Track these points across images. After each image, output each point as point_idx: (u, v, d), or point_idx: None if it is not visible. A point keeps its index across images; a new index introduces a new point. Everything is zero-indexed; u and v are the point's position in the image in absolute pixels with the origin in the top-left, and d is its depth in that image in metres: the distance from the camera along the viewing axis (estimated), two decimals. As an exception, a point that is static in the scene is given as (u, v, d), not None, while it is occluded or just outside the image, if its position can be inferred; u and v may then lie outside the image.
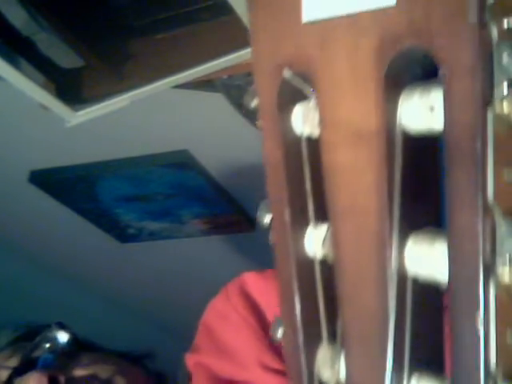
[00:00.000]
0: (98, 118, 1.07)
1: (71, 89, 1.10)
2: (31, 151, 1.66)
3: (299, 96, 0.25)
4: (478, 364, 0.19)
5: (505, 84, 0.19)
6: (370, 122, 0.22)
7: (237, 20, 0.85)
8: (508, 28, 0.18)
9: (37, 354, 0.78)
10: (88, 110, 1.06)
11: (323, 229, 0.25)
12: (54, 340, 0.82)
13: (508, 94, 0.19)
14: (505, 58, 0.18)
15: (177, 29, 1.04)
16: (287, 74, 0.24)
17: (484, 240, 0.19)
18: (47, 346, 0.81)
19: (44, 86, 1.02)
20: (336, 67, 0.23)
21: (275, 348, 0.61)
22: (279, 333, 0.27)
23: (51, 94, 1.02)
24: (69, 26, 1.01)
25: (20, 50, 0.99)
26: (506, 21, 0.18)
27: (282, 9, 0.24)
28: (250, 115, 1.21)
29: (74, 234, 2.03)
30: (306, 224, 0.26)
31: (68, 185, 1.77)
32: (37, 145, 1.63)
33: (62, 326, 0.85)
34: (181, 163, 1.62)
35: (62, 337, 0.83)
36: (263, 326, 0.64)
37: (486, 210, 0.19)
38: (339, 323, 0.24)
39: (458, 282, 0.20)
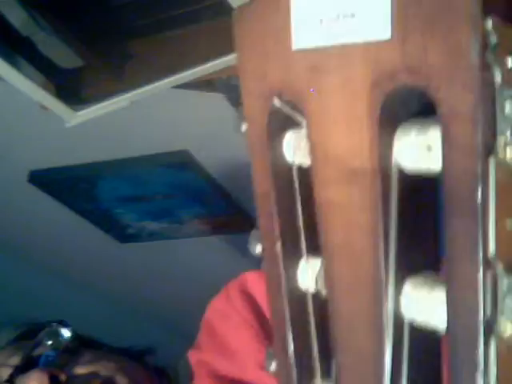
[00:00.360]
0: (97, 118, 1.07)
1: (71, 89, 1.10)
2: (31, 151, 1.66)
3: (290, 123, 0.24)
4: None
5: (508, 132, 0.17)
6: (364, 160, 0.20)
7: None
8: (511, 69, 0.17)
9: (38, 352, 0.78)
10: (88, 110, 1.06)
11: (317, 263, 0.24)
12: (55, 337, 0.82)
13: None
14: (508, 106, 0.17)
15: (177, 29, 1.04)
16: (277, 102, 0.23)
17: (485, 293, 0.18)
18: (49, 343, 0.80)
19: (44, 86, 1.02)
20: (327, 100, 0.21)
21: None
22: (272, 366, 0.26)
23: (51, 94, 1.02)
24: (68, 26, 1.01)
25: (20, 50, 0.99)
26: (510, 60, 0.17)
27: (271, 33, 0.22)
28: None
29: (73, 234, 2.03)
30: (299, 256, 0.24)
31: (68, 185, 1.77)
32: (36, 145, 1.63)
33: (64, 324, 0.85)
34: (181, 163, 1.62)
35: (64, 334, 0.83)
36: (264, 326, 0.64)
37: (487, 262, 0.18)
38: (333, 361, 0.23)
39: (457, 336, 0.19)
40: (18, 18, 0.94)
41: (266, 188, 0.24)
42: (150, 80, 1.02)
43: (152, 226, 1.96)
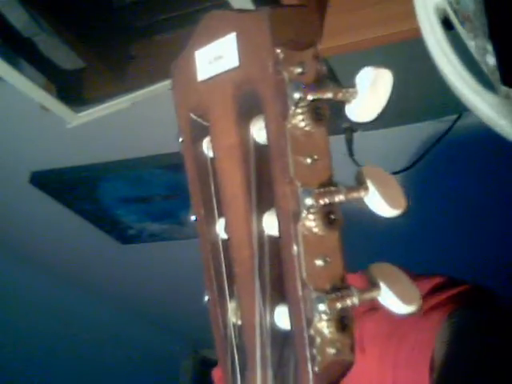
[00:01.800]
0: (98, 119, 1.07)
1: (72, 90, 1.10)
2: (32, 152, 1.66)
3: (206, 130, 0.36)
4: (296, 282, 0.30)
5: (293, 107, 0.29)
6: (234, 139, 0.33)
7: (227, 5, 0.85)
8: (297, 73, 0.30)
9: None
10: (89, 111, 1.06)
11: (222, 220, 0.36)
12: None
13: (303, 110, 0.30)
14: (294, 94, 0.29)
15: (178, 30, 1.04)
16: (193, 116, 0.37)
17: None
18: None
19: (45, 88, 1.02)
20: (216, 108, 0.35)
21: None
22: (206, 297, 0.38)
23: (52, 96, 1.02)
24: (70, 28, 1.01)
25: (21, 51, 0.99)
26: (294, 68, 0.30)
27: (186, 75, 0.37)
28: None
29: (74, 235, 2.03)
30: (215, 219, 0.36)
31: (69, 186, 1.77)
32: (38, 146, 1.63)
33: None
34: (181, 164, 1.62)
35: None
36: None
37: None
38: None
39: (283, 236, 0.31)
40: (19, 19, 0.94)
41: (193, 173, 0.38)
42: (151, 81, 1.02)
43: (153, 227, 1.96)
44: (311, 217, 0.29)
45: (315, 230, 0.29)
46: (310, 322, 0.29)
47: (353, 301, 0.29)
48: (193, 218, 0.38)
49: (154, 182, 1.71)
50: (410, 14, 0.69)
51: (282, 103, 0.29)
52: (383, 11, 0.84)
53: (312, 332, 0.29)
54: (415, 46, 0.71)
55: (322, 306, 0.29)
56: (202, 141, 0.37)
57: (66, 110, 1.04)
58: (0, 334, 2.02)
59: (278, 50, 0.29)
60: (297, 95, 0.29)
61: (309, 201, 0.29)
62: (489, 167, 1.41)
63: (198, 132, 0.36)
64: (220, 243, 0.36)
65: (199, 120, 0.36)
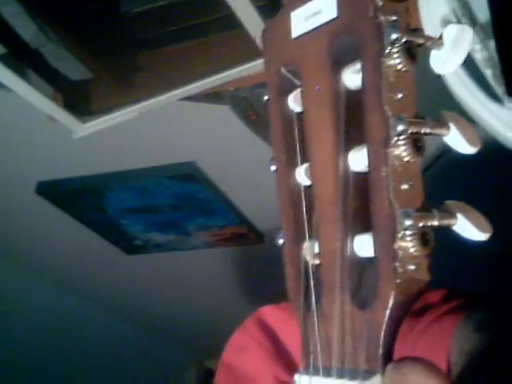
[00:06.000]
0: (105, 129, 1.08)
1: (79, 100, 1.11)
2: (39, 162, 1.66)
3: (293, 86, 0.39)
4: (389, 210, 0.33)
5: (392, 36, 0.33)
6: (327, 86, 0.36)
7: (244, 33, 0.86)
8: (392, 20, 0.33)
9: None
10: (96, 121, 1.06)
11: (305, 166, 0.39)
12: None
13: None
14: (388, 30, 0.33)
15: (185, 42, 1.04)
16: (283, 70, 0.39)
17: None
18: None
19: (52, 98, 1.03)
20: (310, 59, 0.38)
21: (290, 367, 0.63)
22: (280, 240, 0.40)
23: (59, 106, 1.03)
24: (77, 39, 1.02)
25: (29, 62, 1.00)
26: (389, 16, 0.33)
27: (281, 33, 0.40)
28: (257, 127, 1.21)
29: (80, 245, 2.03)
30: (296, 164, 0.39)
31: (75, 196, 1.78)
32: (44, 156, 1.63)
33: None
34: (187, 175, 1.62)
35: None
36: (279, 349, 0.65)
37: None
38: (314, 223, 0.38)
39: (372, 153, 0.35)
40: (27, 30, 0.95)
41: (278, 127, 0.40)
42: (157, 92, 1.03)
43: (159, 237, 1.96)
44: (401, 142, 0.33)
45: (403, 154, 0.33)
46: (394, 238, 0.32)
47: (434, 222, 0.33)
48: (273, 167, 0.41)
49: (160, 192, 1.71)
50: (415, 25, 0.69)
51: (379, 42, 0.33)
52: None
53: (396, 246, 0.32)
54: (421, 57, 0.71)
55: (407, 221, 0.32)
56: (287, 96, 0.40)
57: (73, 120, 1.04)
58: (7, 342, 2.01)
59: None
60: (393, 35, 0.33)
61: (400, 127, 0.32)
62: (494, 179, 1.41)
63: (286, 88, 0.40)
64: (300, 188, 0.39)
65: (289, 75, 0.39)
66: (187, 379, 2.72)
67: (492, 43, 0.64)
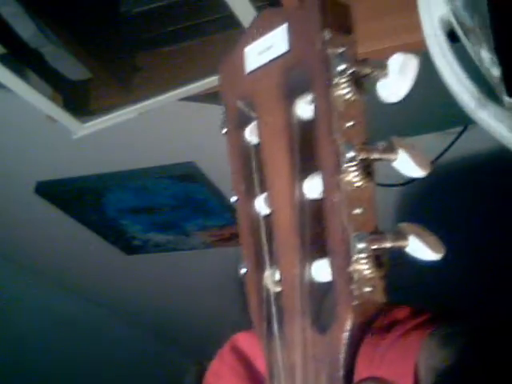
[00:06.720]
0: (104, 129, 1.08)
1: (78, 101, 1.11)
2: (38, 162, 1.66)
3: (249, 119, 0.41)
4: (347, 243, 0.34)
5: (339, 68, 0.35)
6: (281, 118, 0.38)
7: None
8: (339, 51, 0.35)
9: None
10: (95, 121, 1.06)
11: (264, 195, 0.40)
12: None
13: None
14: (336, 63, 0.35)
15: (184, 42, 1.04)
16: (239, 104, 0.42)
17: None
18: None
19: (52, 98, 1.03)
20: (264, 92, 0.39)
21: None
22: (243, 269, 0.42)
23: (58, 106, 1.03)
24: (76, 39, 1.02)
25: (28, 62, 1.00)
26: (340, 49, 0.35)
27: (235, 67, 0.42)
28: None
29: (79, 245, 2.03)
30: (255, 195, 0.41)
31: (74, 196, 1.78)
32: (43, 156, 1.63)
33: None
34: (187, 175, 1.62)
35: None
36: (252, 375, 0.70)
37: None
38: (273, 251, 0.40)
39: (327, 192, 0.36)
40: (26, 30, 0.94)
41: (235, 158, 0.42)
42: (157, 92, 1.02)
43: (158, 237, 1.96)
44: (352, 169, 0.34)
45: (355, 180, 0.34)
46: (349, 261, 0.34)
47: (387, 244, 0.34)
48: (233, 198, 0.43)
49: (159, 192, 1.71)
50: (415, 26, 0.69)
51: (328, 73, 0.35)
52: (388, 24, 0.84)
53: (351, 270, 0.33)
54: (420, 58, 0.71)
55: (361, 245, 0.33)
56: (244, 129, 0.42)
57: (72, 120, 1.04)
58: (6, 343, 2.01)
59: (326, 31, 0.35)
60: (341, 67, 0.34)
61: (350, 154, 0.34)
62: (494, 180, 1.41)
63: (243, 120, 0.42)
64: (259, 218, 0.41)
65: (245, 108, 0.41)
66: (187, 379, 2.71)
67: (491, 43, 0.64)
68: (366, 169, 0.34)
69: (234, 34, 0.94)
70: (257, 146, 0.41)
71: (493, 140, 0.67)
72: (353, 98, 0.35)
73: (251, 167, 0.41)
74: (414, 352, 0.56)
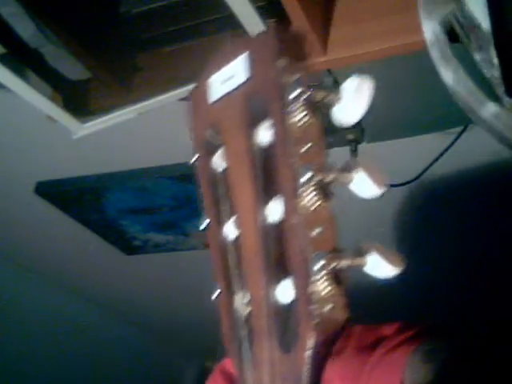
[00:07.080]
0: (104, 129, 1.08)
1: (78, 101, 1.11)
2: (38, 162, 1.66)
3: (216, 147, 0.43)
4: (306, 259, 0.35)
5: (294, 94, 0.36)
6: (244, 144, 0.39)
7: (243, 33, 0.86)
8: (294, 78, 0.36)
9: None
10: (95, 121, 1.06)
11: (232, 220, 0.41)
12: None
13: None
14: (293, 90, 0.36)
15: (184, 42, 1.04)
16: (207, 134, 0.43)
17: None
18: None
19: (51, 98, 1.03)
20: (228, 120, 0.41)
21: None
22: (215, 294, 0.43)
23: (58, 106, 1.03)
24: (76, 39, 1.02)
25: (28, 62, 1.00)
26: (294, 77, 0.36)
27: (201, 97, 0.44)
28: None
29: (79, 245, 2.03)
30: (223, 222, 0.42)
31: (74, 196, 1.78)
32: (43, 156, 1.63)
33: None
34: (187, 175, 1.62)
35: None
36: None
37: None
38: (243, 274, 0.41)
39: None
40: (26, 30, 0.94)
41: (205, 183, 0.44)
42: (157, 92, 1.02)
43: (158, 237, 1.96)
44: (309, 190, 0.35)
45: (313, 201, 0.35)
46: (309, 281, 0.34)
47: (346, 262, 0.35)
48: (203, 225, 0.44)
49: (159, 192, 1.71)
50: (416, 26, 0.69)
51: (283, 100, 0.36)
52: (389, 24, 0.84)
53: (311, 289, 0.34)
54: (421, 58, 0.71)
55: (320, 264, 0.34)
56: (213, 156, 0.43)
57: (72, 120, 1.04)
58: (5, 343, 2.01)
59: (281, 60, 0.36)
60: (294, 93, 0.35)
61: (306, 176, 0.35)
62: (494, 179, 1.41)
63: (212, 147, 0.43)
64: (229, 243, 0.42)
65: (212, 137, 0.43)
66: (187, 379, 2.71)
67: (491, 43, 0.64)
68: (324, 190, 0.35)
69: (234, 34, 0.94)
70: (225, 172, 0.42)
71: (493, 140, 0.67)
72: (309, 122, 0.36)
73: (220, 192, 0.42)
74: (400, 368, 0.57)
